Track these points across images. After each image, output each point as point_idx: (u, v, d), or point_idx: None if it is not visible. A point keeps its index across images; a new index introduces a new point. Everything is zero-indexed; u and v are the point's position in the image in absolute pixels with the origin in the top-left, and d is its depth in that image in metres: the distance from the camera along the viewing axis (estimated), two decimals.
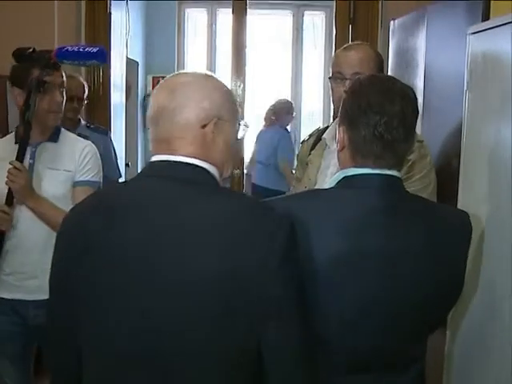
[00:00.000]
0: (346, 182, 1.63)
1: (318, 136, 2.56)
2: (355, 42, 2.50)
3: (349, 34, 4.58)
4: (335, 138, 2.36)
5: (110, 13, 4.50)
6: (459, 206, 2.35)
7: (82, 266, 1.42)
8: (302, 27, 7.30)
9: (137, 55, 6.70)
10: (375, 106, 1.57)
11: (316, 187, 2.35)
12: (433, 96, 2.93)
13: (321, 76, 7.24)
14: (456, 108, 2.52)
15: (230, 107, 1.54)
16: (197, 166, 1.46)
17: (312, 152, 2.53)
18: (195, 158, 1.46)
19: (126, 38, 5.50)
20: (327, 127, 2.54)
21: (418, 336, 1.67)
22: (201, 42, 7.37)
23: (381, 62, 2.36)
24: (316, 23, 7.38)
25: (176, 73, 1.58)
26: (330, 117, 6.91)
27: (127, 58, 5.57)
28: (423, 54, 2.98)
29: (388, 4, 4.36)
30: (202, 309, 1.34)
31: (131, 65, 6.16)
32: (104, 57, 2.56)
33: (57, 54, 2.49)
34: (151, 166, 1.50)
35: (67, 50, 2.49)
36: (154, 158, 1.49)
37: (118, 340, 1.39)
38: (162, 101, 1.48)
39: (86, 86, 4.02)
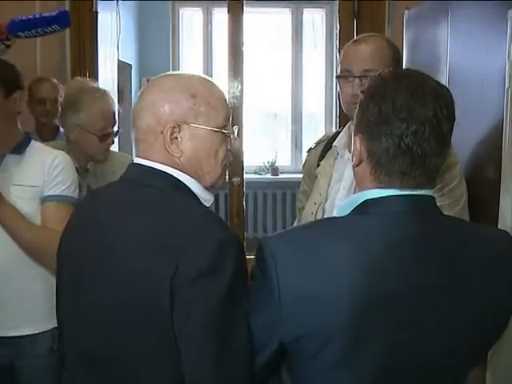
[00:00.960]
0: (366, 206, 1.32)
1: (327, 143, 2.27)
2: (367, 34, 2.18)
3: (353, 29, 4.36)
4: (348, 145, 2.10)
5: (97, 12, 4.24)
6: (500, 224, 2.04)
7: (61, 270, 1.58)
8: (301, 25, 7.01)
9: (130, 58, 6.43)
10: (401, 110, 1.26)
11: (328, 204, 2.07)
12: (459, 96, 2.52)
13: (322, 76, 7.00)
14: (489, 109, 2.22)
15: (203, 112, 1.47)
16: (157, 170, 1.46)
17: (321, 162, 2.23)
18: (159, 162, 1.46)
19: (116, 40, 5.33)
20: (338, 133, 2.24)
21: (458, 379, 1.40)
22: (197, 43, 7.11)
23: (397, 56, 2.08)
24: (316, 21, 7.09)
25: (163, 74, 1.55)
26: (332, 119, 6.82)
27: (119, 60, 5.34)
28: (446, 47, 2.64)
29: None
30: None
31: (124, 68, 5.94)
32: (67, 20, 2.26)
33: (9, 27, 2.14)
34: (127, 168, 1.55)
35: (21, 19, 2.15)
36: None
37: (69, 339, 1.54)
38: (136, 103, 1.51)
39: (59, 87, 3.75)
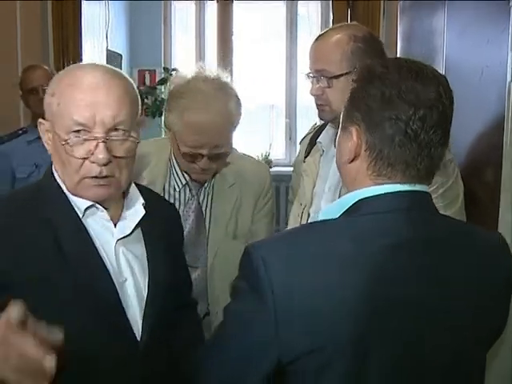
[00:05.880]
0: (362, 205, 1.20)
1: (312, 138, 2.11)
2: (337, 25, 2.01)
3: (348, 18, 4.31)
4: (333, 141, 1.95)
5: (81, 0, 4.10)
6: (501, 229, 1.90)
7: None
8: (296, 15, 6.87)
9: (121, 48, 6.27)
10: (407, 93, 1.15)
11: (312, 208, 1.93)
12: (456, 89, 2.38)
13: None
14: (488, 104, 2.08)
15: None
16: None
17: (307, 159, 2.08)
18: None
19: (105, 29, 5.21)
20: (322, 127, 2.09)
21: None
22: (189, 33, 6.94)
23: (368, 48, 1.86)
24: (311, 10, 6.94)
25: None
26: None
27: (108, 50, 5.28)
28: (443, 36, 2.50)
29: None
30: None
31: (114, 57, 5.79)
32: None
33: None
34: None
35: None
36: None
37: None
38: None
39: (54, 73, 3.57)
